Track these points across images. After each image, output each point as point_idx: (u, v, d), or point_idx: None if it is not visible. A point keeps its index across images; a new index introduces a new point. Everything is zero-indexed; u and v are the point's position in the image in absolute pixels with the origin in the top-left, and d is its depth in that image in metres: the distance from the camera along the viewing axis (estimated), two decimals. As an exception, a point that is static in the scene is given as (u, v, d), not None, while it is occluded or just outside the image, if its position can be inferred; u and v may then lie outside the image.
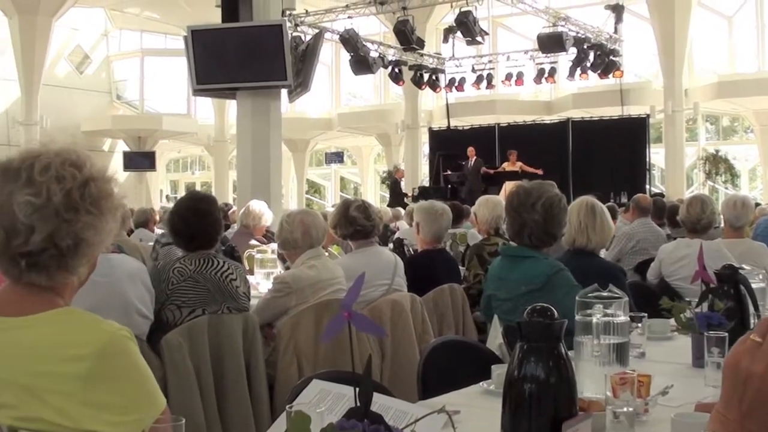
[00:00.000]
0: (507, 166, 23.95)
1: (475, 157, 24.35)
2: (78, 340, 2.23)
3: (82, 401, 2.18)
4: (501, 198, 8.44)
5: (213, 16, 17.89)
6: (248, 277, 7.22)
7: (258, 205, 9.48)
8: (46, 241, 2.27)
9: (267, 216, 9.42)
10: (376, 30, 33.66)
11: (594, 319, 3.16)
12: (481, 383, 3.43)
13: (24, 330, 2.27)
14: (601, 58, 26.05)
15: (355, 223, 6.60)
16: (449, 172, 25.52)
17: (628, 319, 3.35)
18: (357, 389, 1.91)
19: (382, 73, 29.76)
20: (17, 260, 2.29)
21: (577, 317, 3.21)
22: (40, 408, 2.18)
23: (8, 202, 2.27)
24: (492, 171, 24.23)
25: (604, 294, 3.27)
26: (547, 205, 4.82)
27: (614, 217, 9.43)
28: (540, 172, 21.52)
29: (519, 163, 23.51)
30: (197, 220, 5.48)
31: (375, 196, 40.66)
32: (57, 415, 2.18)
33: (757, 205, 15.01)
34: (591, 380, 3.02)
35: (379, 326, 2.87)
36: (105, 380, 2.21)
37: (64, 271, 2.34)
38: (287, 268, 7.03)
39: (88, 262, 2.40)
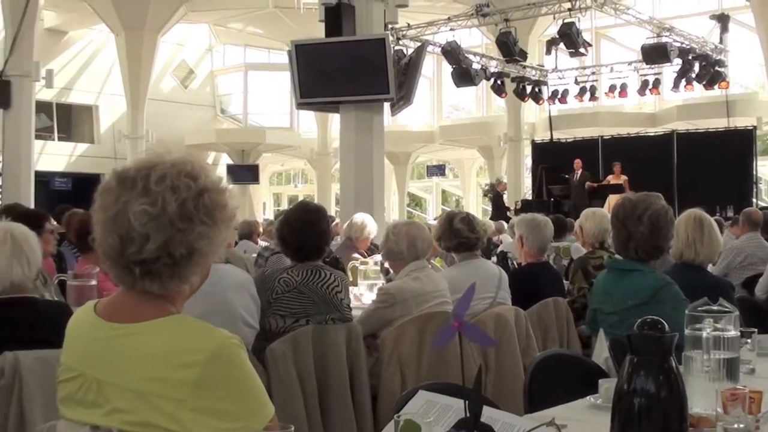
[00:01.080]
0: (611, 179, 23.70)
1: (581, 170, 24.13)
2: (189, 347, 2.26)
3: (193, 407, 2.21)
4: (606, 211, 8.35)
5: (316, 31, 18.04)
6: (351, 288, 7.29)
7: (363, 218, 9.55)
8: (160, 250, 2.30)
9: (371, 229, 9.47)
10: (478, 42, 33.62)
11: (704, 334, 3.11)
12: (588, 397, 3.39)
13: (137, 336, 2.30)
14: (707, 69, 25.71)
15: (460, 236, 6.59)
16: (556, 184, 25.30)
17: (739, 334, 3.29)
18: (467, 401, 1.91)
19: (485, 86, 29.77)
20: (131, 268, 2.32)
21: (687, 331, 3.16)
22: (151, 413, 2.22)
23: (124, 210, 2.30)
24: (596, 185, 23.99)
25: (715, 308, 3.22)
26: (654, 217, 4.76)
27: (721, 231, 9.27)
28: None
29: (623, 176, 23.23)
30: (306, 231, 5.54)
31: (477, 209, 40.51)
32: (168, 421, 2.21)
33: None
34: (701, 396, 2.97)
35: (490, 337, 2.84)
36: (215, 387, 2.23)
37: (177, 280, 2.37)
38: (389, 280, 7.05)
39: (200, 272, 2.43)
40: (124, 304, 2.40)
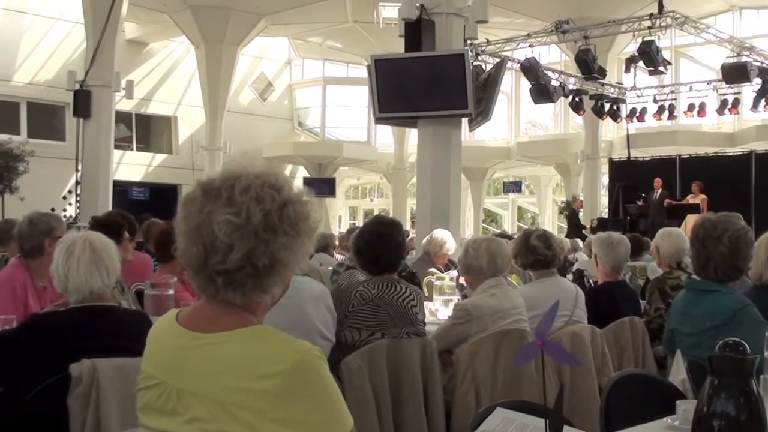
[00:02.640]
0: (690, 199, 23.44)
1: (661, 189, 23.89)
2: (271, 357, 2.27)
3: (272, 418, 2.21)
4: (682, 231, 8.25)
5: (395, 46, 18.12)
6: (427, 303, 7.29)
7: (443, 234, 9.55)
8: (243, 260, 2.31)
9: (450, 245, 9.47)
10: (556, 59, 33.58)
11: (785, 357, 3.08)
12: (665, 418, 3.36)
13: (219, 346, 2.32)
14: (787, 89, 25.35)
15: (536, 253, 6.57)
16: (634, 201, 25.05)
17: (820, 357, 3.25)
18: (548, 420, 1.90)
19: (562, 102, 29.69)
20: (214, 278, 2.34)
21: (767, 354, 3.13)
22: (231, 423, 2.23)
23: (208, 220, 2.33)
24: (675, 203, 23.74)
25: (796, 331, 3.18)
26: (734, 238, 4.70)
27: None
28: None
29: (702, 196, 22.94)
30: (381, 244, 5.56)
31: (553, 226, 40.36)
32: (247, 431, 2.22)
33: None
34: (781, 420, 2.93)
35: (573, 355, 2.84)
36: (295, 398, 2.23)
37: (259, 290, 2.39)
38: (464, 296, 7.04)
39: (282, 282, 2.44)
40: (206, 313, 2.41)
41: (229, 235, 2.31)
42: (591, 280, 8.59)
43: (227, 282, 2.34)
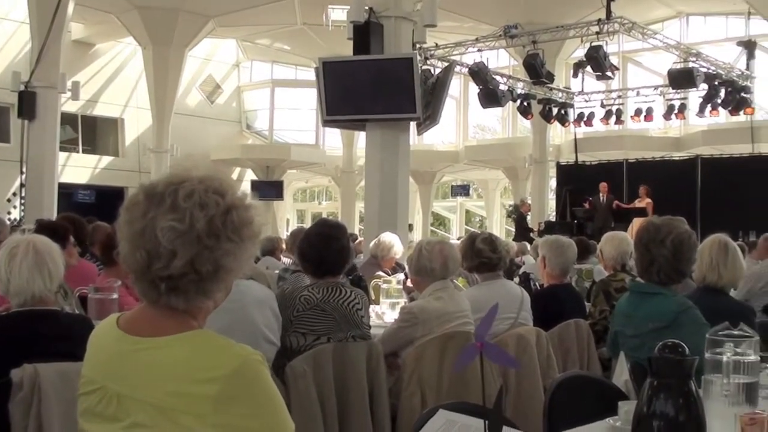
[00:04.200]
0: (637, 203, 23.65)
1: (607, 193, 24.08)
2: (211, 362, 2.25)
3: (213, 423, 2.20)
4: (627, 234, 8.34)
5: (344, 49, 18.11)
6: (374, 306, 7.30)
7: (390, 238, 9.55)
8: (186, 266, 2.29)
9: (398, 249, 9.48)
10: (505, 63, 33.71)
11: (724, 358, 3.11)
12: (607, 419, 3.39)
13: (159, 350, 2.30)
14: (732, 95, 25.70)
15: (482, 256, 6.62)
16: (581, 205, 25.22)
17: (759, 358, 3.29)
18: (487, 421, 1.91)
19: (511, 107, 29.80)
20: (157, 283, 2.32)
21: (707, 355, 3.17)
22: (172, 428, 2.22)
23: (151, 226, 2.30)
24: (623, 206, 23.95)
25: (735, 332, 3.23)
26: (677, 241, 4.76)
27: (743, 256, 9.24)
28: None
29: (648, 200, 23.17)
30: (325, 247, 5.55)
31: (500, 229, 40.49)
32: None
33: None
34: (720, 420, 2.97)
35: (512, 357, 2.87)
36: (236, 403, 2.22)
37: (202, 296, 2.37)
38: (412, 299, 7.06)
39: (225, 288, 2.43)
40: (147, 318, 2.39)
41: (172, 242, 2.29)
42: (537, 283, 8.65)
43: (170, 288, 2.32)
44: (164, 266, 2.30)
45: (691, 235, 4.87)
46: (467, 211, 47.35)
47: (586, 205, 24.59)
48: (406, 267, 7.63)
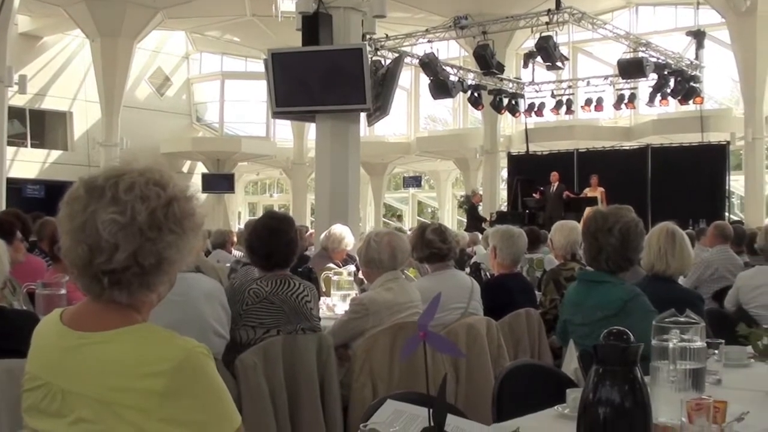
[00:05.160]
0: (588, 192, 23.80)
1: (558, 182, 24.21)
2: (155, 356, 2.24)
3: (159, 418, 2.19)
4: (577, 223, 8.40)
5: (293, 40, 18.05)
6: (325, 299, 7.29)
7: (341, 230, 9.52)
8: (129, 260, 2.28)
9: (348, 240, 9.45)
10: (455, 54, 33.78)
11: (670, 345, 3.15)
12: (555, 407, 3.42)
13: (102, 345, 2.28)
14: (682, 85, 25.92)
15: (432, 246, 6.63)
16: (532, 195, 25.33)
17: (705, 345, 3.33)
18: (431, 410, 1.92)
19: (461, 98, 29.91)
20: (100, 277, 2.30)
21: (654, 342, 3.20)
22: (117, 423, 2.20)
23: (92, 219, 2.28)
24: (574, 196, 24.10)
25: (681, 319, 3.26)
26: (624, 229, 4.80)
27: (692, 244, 9.31)
28: None
29: (600, 189, 23.33)
30: (273, 239, 5.54)
31: (452, 220, 40.65)
32: (133, 431, 2.20)
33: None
34: (666, 406, 3.00)
35: (456, 346, 2.88)
36: (181, 397, 2.20)
37: (146, 289, 2.36)
38: (363, 290, 7.06)
39: (168, 280, 2.42)
40: (90, 313, 2.37)
41: (114, 235, 2.27)
42: (488, 273, 8.69)
43: (113, 282, 2.31)
44: (106, 260, 2.28)
45: (638, 223, 4.91)
46: (419, 203, 47.46)
47: (537, 195, 24.72)
48: (358, 259, 7.64)
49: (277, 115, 18.44)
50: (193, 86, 42.59)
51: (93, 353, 2.28)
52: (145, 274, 2.32)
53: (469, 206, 28.50)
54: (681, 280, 6.66)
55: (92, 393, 2.23)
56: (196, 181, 37.36)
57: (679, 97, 26.38)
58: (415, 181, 43.89)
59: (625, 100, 27.97)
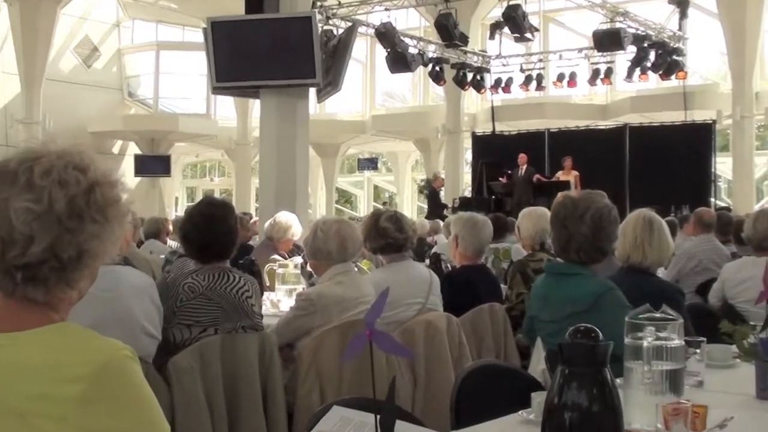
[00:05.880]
0: (561, 175, 23.86)
1: (526, 165, 24.25)
2: (73, 359, 2.19)
3: (77, 426, 2.14)
4: (547, 210, 8.44)
5: (235, 7, 17.97)
6: (269, 293, 7.28)
7: (287, 218, 9.49)
8: (46, 252, 2.23)
9: (295, 229, 9.43)
10: (415, 24, 33.78)
11: (645, 343, 3.16)
12: (520, 412, 3.43)
13: (16, 348, 2.23)
14: (663, 58, 26.08)
15: (386, 236, 6.61)
16: (499, 179, 25.38)
17: (684, 343, 3.34)
18: (378, 415, 1.91)
19: (422, 72, 29.87)
20: (12, 273, 2.25)
21: (627, 340, 3.22)
22: (30, 435, 2.17)
23: (4, 208, 2.23)
24: (545, 179, 24.15)
25: (657, 315, 3.28)
26: (596, 216, 4.81)
27: (674, 233, 9.36)
28: None
29: (574, 172, 23.41)
30: (211, 228, 5.51)
31: (412, 207, 40.74)
32: None
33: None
34: (640, 410, 3.02)
35: (405, 347, 2.88)
36: (102, 403, 2.17)
37: (64, 285, 2.31)
38: (312, 285, 7.05)
39: (90, 275, 2.38)
40: (2, 312, 2.31)
41: (28, 225, 2.22)
42: (449, 264, 8.70)
43: (28, 277, 2.26)
44: (20, 253, 2.23)
45: (611, 210, 4.92)
46: (376, 187, 47.48)
47: (504, 180, 24.78)
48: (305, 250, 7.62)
49: (217, 90, 18.34)
50: (125, 57, 42.24)
51: (5, 357, 2.23)
52: (63, 269, 2.28)
53: (430, 191, 28.55)
54: (661, 273, 6.72)
55: (4, 402, 2.18)
56: (128, 164, 37.14)
57: (661, 72, 26.55)
58: (370, 164, 43.88)
59: (601, 75, 28.08)
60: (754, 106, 27.54)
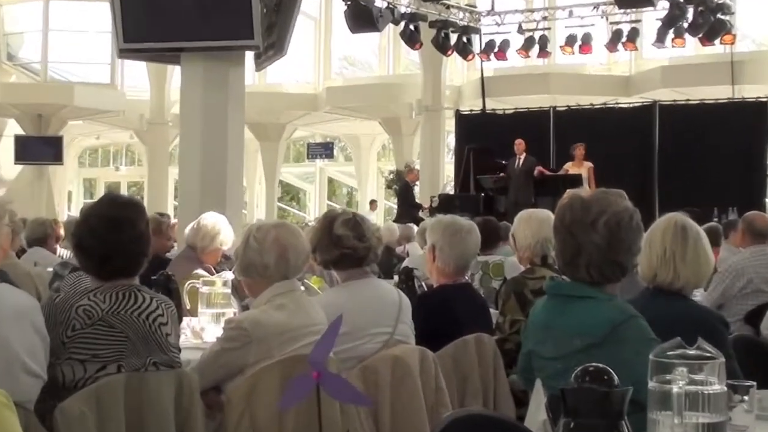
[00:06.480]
0: (570, 168, 23.84)
1: (525, 154, 24.21)
2: None
3: None
4: (551, 213, 8.46)
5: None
6: (191, 319, 7.27)
7: (214, 221, 9.44)
8: None
9: (225, 236, 9.36)
10: (383, -30, 33.90)
11: (675, 388, 3.17)
12: (512, 478, 3.44)
13: None
14: (705, 17, 26.05)
15: (342, 245, 6.60)
16: (491, 171, 25.41)
17: (727, 388, 3.35)
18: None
19: (391, 32, 29.90)
20: None
21: (651, 384, 3.22)
22: None
23: None
24: (549, 173, 24.16)
25: (691, 352, 3.27)
26: (613, 223, 4.77)
27: (717, 243, 9.39)
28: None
29: (587, 164, 23.40)
30: (114, 235, 5.47)
31: (377, 207, 40.76)
32: None
33: None
34: (670, 477, 3.03)
35: (363, 393, 2.87)
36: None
37: None
38: (245, 308, 7.04)
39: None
40: None
41: None
42: (424, 283, 8.71)
43: None
44: None
45: (633, 214, 4.88)
46: (331, 180, 47.53)
47: (497, 173, 24.78)
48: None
49: (125, 53, 18.30)
50: (2, 9, 42.08)
51: None
52: None
53: (402, 186, 28.58)
54: (698, 296, 6.73)
55: None
56: (7, 147, 37.00)
57: (701, 35, 26.53)
58: (324, 150, 43.83)
59: (623, 39, 28.13)
60: (821, 80, 27.60)
